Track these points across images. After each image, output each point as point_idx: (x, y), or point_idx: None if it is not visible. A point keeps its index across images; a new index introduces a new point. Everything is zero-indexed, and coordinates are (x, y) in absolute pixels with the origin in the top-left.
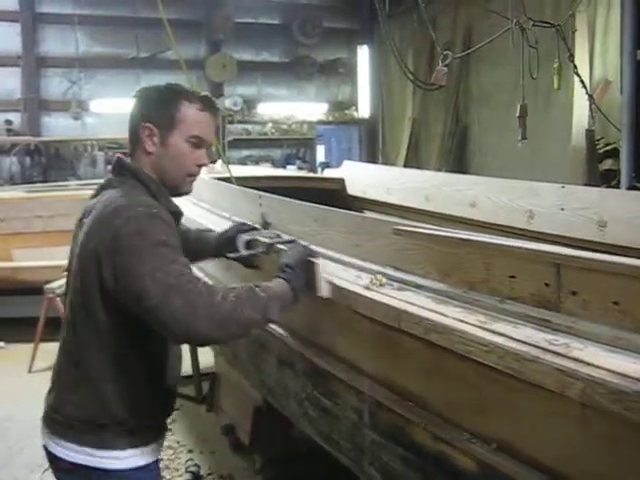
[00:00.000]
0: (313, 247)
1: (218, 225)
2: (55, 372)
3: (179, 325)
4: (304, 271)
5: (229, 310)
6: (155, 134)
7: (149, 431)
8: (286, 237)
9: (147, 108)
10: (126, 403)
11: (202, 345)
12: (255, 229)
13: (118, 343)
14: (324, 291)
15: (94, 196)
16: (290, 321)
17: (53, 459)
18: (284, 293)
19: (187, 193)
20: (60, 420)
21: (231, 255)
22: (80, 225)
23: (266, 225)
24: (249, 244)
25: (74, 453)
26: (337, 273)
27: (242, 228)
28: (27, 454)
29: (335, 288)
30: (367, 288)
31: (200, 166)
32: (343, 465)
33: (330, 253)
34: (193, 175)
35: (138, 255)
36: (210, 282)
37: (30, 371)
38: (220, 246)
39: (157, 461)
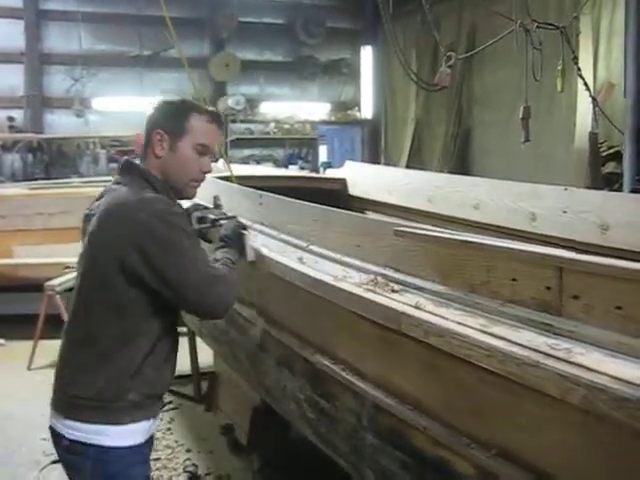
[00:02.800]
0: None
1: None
2: (62, 354)
3: (222, 305)
4: (238, 240)
5: (235, 281)
6: (165, 139)
7: (151, 403)
8: (230, 214)
9: (161, 116)
10: (133, 377)
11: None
12: (207, 209)
13: (131, 319)
14: (250, 257)
15: (102, 194)
16: (289, 322)
17: (55, 437)
18: (233, 257)
19: (191, 197)
20: (64, 399)
21: None
22: (88, 219)
23: (217, 206)
24: (200, 220)
25: (73, 431)
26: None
27: (197, 207)
28: (26, 451)
29: (258, 254)
30: (371, 291)
31: (204, 173)
32: (341, 467)
33: (331, 254)
34: (197, 181)
35: (175, 248)
36: None
37: (30, 368)
38: None
39: (150, 442)
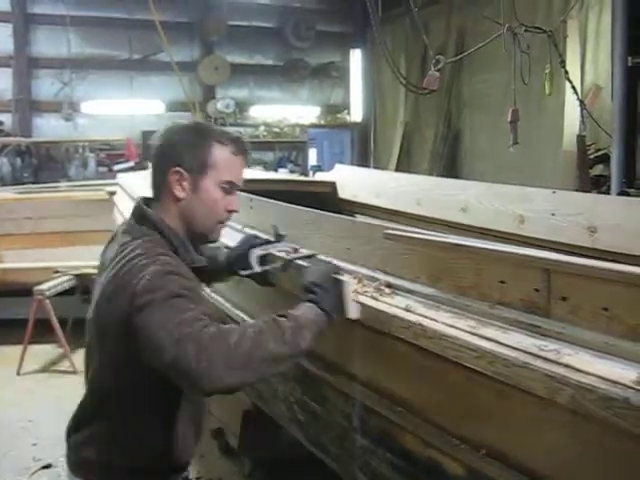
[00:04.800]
0: (336, 262)
1: None
2: (75, 417)
3: (199, 376)
4: (333, 290)
5: (250, 348)
6: (185, 179)
7: (166, 475)
8: (304, 251)
9: (177, 150)
10: (143, 446)
11: (232, 392)
12: (269, 242)
13: (140, 396)
14: (353, 313)
15: (111, 241)
16: None
17: None
18: (316, 316)
19: (216, 241)
20: (77, 460)
21: (244, 272)
22: (100, 275)
23: (279, 237)
24: (263, 259)
25: None
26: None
27: (254, 242)
28: (14, 457)
29: (365, 309)
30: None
31: (231, 212)
32: (332, 469)
33: (321, 257)
34: (223, 222)
35: (150, 312)
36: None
37: (19, 373)
38: (231, 263)
39: None
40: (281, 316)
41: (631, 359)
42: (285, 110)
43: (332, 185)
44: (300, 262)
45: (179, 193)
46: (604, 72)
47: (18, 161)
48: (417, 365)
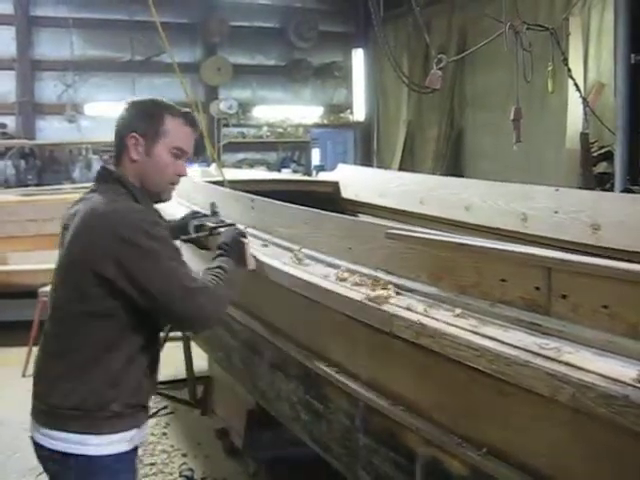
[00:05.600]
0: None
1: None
2: (39, 365)
3: (204, 317)
4: (237, 247)
5: (223, 294)
6: (140, 144)
7: (134, 413)
8: (228, 222)
9: (135, 119)
10: (114, 387)
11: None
12: (205, 216)
13: (112, 329)
14: (250, 265)
15: (77, 202)
16: (283, 325)
17: (37, 448)
18: (229, 265)
19: (167, 200)
20: (45, 409)
21: (183, 237)
22: (66, 229)
23: (215, 213)
24: (198, 228)
25: (54, 440)
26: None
27: (194, 216)
28: (19, 458)
29: (259, 263)
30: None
31: (180, 176)
32: (336, 468)
33: (323, 257)
34: (174, 184)
35: (154, 258)
36: None
37: (24, 375)
38: (174, 230)
39: (136, 449)
40: (217, 268)
41: (631, 357)
42: (288, 110)
43: (335, 185)
44: (221, 230)
45: (134, 155)
46: (607, 69)
47: (22, 163)
48: (419, 364)
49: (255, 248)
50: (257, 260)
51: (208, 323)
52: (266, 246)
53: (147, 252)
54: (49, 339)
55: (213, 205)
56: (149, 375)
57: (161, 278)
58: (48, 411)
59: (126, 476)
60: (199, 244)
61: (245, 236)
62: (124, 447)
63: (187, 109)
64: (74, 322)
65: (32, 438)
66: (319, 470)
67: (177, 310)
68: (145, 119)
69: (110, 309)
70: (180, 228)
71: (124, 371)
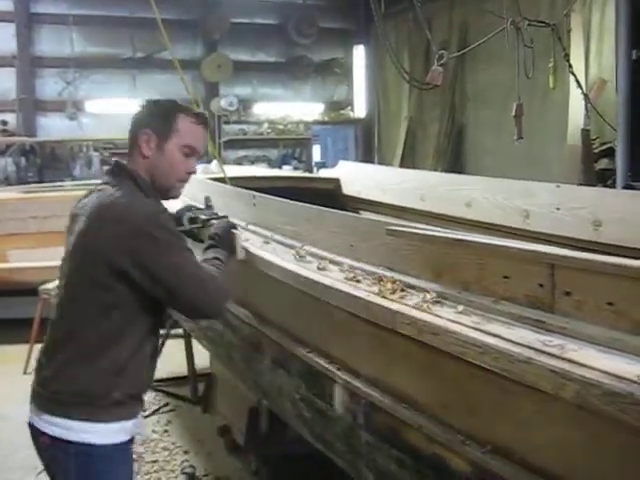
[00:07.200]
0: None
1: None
2: (44, 352)
3: (217, 304)
4: (227, 238)
5: (220, 284)
6: (153, 140)
7: (134, 403)
8: (221, 214)
9: (148, 116)
10: (118, 375)
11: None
12: (199, 209)
13: (121, 317)
14: (240, 255)
15: (89, 194)
16: (284, 322)
17: (35, 434)
18: (223, 257)
19: (176, 197)
20: (47, 395)
21: (179, 229)
22: (74, 219)
23: (209, 207)
24: (192, 220)
25: (55, 427)
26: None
27: (189, 208)
28: (21, 456)
29: (248, 253)
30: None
31: (190, 173)
32: (339, 466)
33: (324, 253)
34: (183, 181)
35: (166, 250)
36: None
37: (25, 372)
38: None
39: (132, 440)
40: (214, 258)
41: (636, 354)
42: (289, 107)
43: (336, 182)
44: (213, 221)
45: (146, 151)
46: (608, 65)
47: (22, 160)
48: (421, 361)
49: (256, 245)
50: (247, 252)
51: (221, 310)
52: (268, 243)
53: (161, 244)
54: (57, 326)
55: (207, 199)
56: (150, 365)
57: (172, 268)
58: (50, 397)
59: (125, 466)
60: (193, 236)
61: (236, 227)
62: (122, 437)
63: (201, 110)
64: (84, 310)
65: (31, 425)
66: (321, 467)
67: (188, 298)
68: (159, 117)
69: (121, 298)
70: (175, 220)
71: (130, 359)
